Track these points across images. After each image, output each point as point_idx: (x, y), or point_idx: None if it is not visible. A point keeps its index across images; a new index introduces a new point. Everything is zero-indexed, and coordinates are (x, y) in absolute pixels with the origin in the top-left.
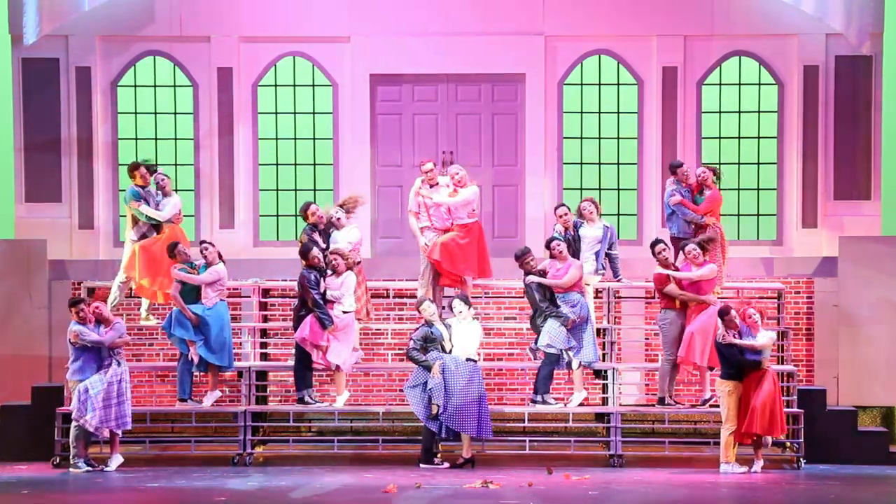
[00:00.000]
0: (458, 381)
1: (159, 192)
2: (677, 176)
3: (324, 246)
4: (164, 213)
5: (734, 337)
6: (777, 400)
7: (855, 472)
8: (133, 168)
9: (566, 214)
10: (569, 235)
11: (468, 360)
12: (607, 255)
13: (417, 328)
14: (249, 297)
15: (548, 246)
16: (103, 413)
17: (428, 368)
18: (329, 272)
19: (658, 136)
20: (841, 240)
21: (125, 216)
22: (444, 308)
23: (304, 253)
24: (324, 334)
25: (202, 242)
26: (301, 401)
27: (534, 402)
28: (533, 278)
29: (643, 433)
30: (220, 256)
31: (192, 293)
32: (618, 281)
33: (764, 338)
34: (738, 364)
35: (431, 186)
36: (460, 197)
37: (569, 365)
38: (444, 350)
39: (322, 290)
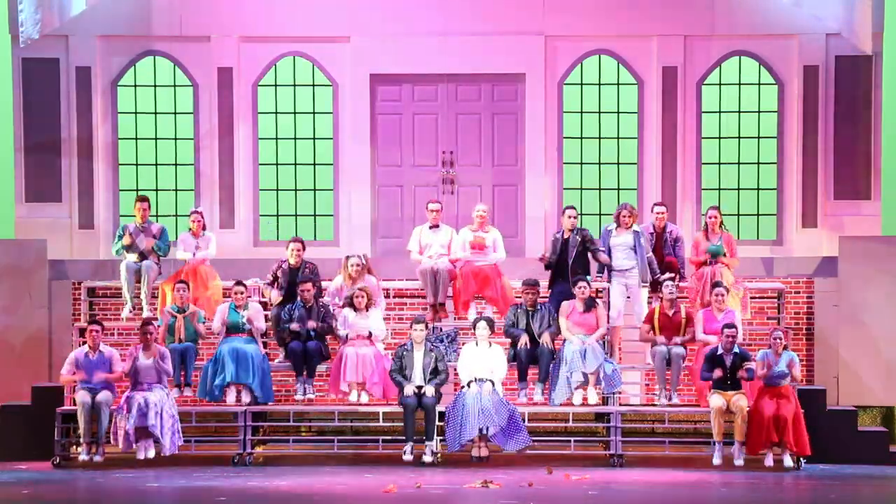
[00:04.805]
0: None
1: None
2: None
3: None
4: (211, 250)
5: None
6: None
7: (855, 472)
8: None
9: (574, 217)
10: (568, 237)
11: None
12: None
13: (398, 349)
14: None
15: (574, 284)
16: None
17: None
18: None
19: (658, 136)
20: (841, 240)
21: (125, 215)
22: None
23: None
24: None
25: (238, 283)
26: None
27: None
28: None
29: (643, 433)
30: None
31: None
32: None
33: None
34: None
35: (432, 227)
36: (495, 257)
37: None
38: (405, 378)
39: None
